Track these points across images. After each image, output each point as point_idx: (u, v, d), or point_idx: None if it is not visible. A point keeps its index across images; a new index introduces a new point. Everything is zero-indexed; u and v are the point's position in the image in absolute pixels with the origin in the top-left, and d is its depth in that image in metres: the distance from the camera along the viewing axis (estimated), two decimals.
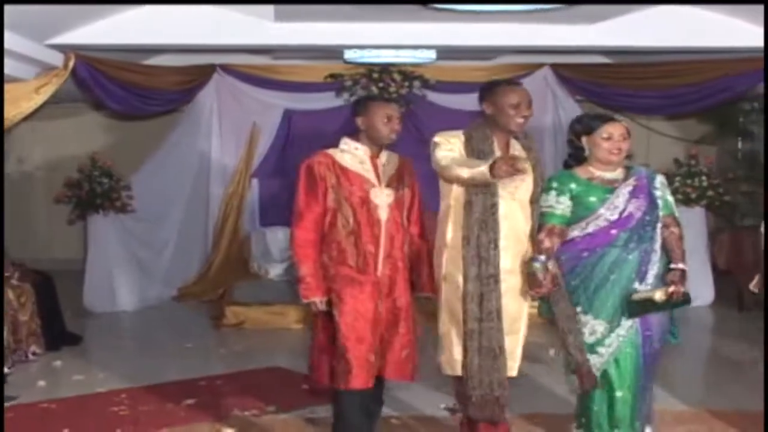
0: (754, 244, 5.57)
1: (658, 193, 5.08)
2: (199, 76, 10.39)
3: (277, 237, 10.76)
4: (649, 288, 4.98)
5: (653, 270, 5.02)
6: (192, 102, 10.59)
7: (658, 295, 4.94)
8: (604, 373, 5.05)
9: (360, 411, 5.20)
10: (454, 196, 5.16)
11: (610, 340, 5.01)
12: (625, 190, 5.03)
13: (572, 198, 5.03)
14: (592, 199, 5.01)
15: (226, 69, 10.61)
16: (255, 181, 10.96)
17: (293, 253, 5.15)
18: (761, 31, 7.71)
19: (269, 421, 6.17)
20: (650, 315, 5.00)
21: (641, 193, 5.04)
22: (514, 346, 5.19)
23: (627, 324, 5.00)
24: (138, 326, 9.61)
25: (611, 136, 5.01)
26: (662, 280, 5.03)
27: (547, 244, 5.02)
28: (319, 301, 5.11)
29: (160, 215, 10.45)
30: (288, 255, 10.65)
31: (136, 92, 9.00)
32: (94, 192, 9.78)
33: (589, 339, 5.04)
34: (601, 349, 5.02)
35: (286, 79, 10.80)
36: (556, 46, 8.41)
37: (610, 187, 5.03)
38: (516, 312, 5.18)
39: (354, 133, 5.28)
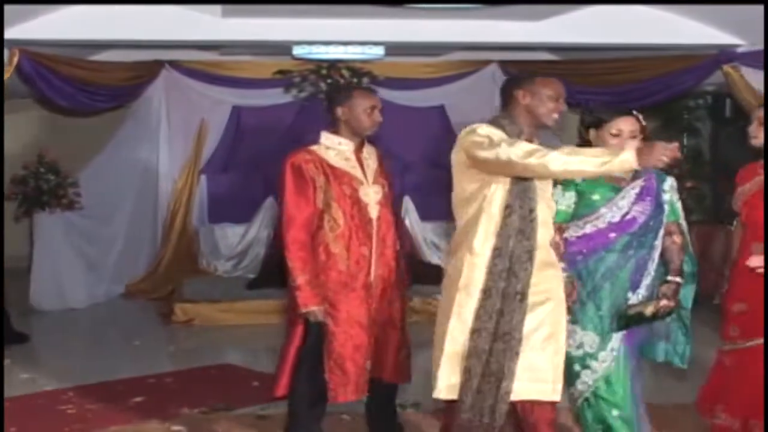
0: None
1: (666, 197, 4.71)
2: (147, 72, 10.32)
3: (225, 233, 10.76)
4: (640, 299, 4.63)
5: (646, 280, 4.66)
6: (140, 98, 10.52)
7: (649, 309, 4.58)
8: (595, 393, 4.65)
9: (318, 422, 5.13)
10: (487, 199, 4.41)
11: (604, 355, 4.63)
12: (632, 192, 4.66)
13: (577, 193, 4.67)
14: (596, 197, 4.64)
15: (174, 65, 10.55)
16: (204, 178, 10.92)
17: (288, 258, 4.81)
18: (707, 29, 7.83)
19: (219, 419, 6.15)
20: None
21: (648, 195, 4.67)
22: (544, 365, 4.42)
23: (618, 336, 4.63)
24: (86, 324, 9.53)
25: (620, 133, 4.62)
26: (653, 290, 4.67)
27: (562, 247, 4.61)
28: (318, 310, 4.85)
29: (107, 212, 10.37)
30: (237, 251, 10.65)
31: (82, 88, 8.92)
32: (41, 189, 9.69)
33: (576, 352, 4.63)
34: (594, 364, 4.63)
35: (234, 75, 10.77)
36: (504, 42, 8.45)
37: (617, 186, 4.66)
38: (545, 327, 4.44)
39: (332, 126, 5.00)
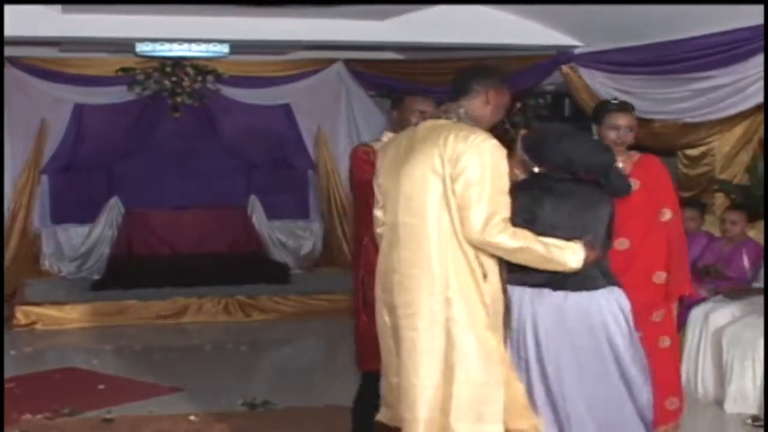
0: None
1: None
2: None
3: (69, 234, 10.58)
4: None
5: None
6: None
7: None
8: None
9: None
10: None
11: None
12: None
13: None
14: None
15: (13, 62, 10.28)
16: (45, 178, 10.69)
17: None
18: (546, 30, 8.05)
19: (63, 424, 6.06)
20: None
21: None
22: None
23: None
24: None
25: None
26: None
27: None
28: None
29: None
30: (81, 252, 10.46)
31: None
32: None
33: None
34: None
35: (76, 73, 10.55)
36: (348, 41, 8.51)
37: None
38: None
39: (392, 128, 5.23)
